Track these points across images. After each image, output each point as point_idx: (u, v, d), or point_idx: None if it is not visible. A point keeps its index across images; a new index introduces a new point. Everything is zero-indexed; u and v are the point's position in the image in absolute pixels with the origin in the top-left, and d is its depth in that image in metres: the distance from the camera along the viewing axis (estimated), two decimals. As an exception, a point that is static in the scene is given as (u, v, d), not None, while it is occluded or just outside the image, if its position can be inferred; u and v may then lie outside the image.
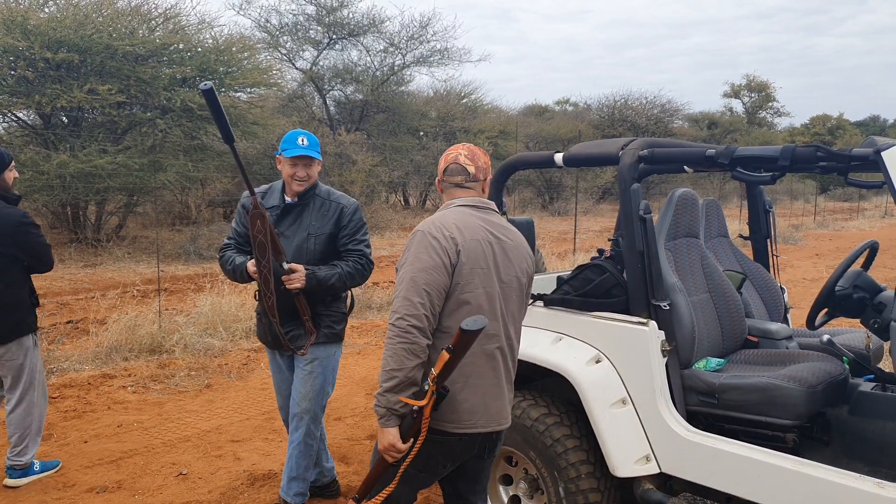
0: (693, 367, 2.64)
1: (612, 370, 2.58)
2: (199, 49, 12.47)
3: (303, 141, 2.95)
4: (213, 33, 13.19)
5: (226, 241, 3.16)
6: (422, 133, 20.73)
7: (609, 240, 2.91)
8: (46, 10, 11.44)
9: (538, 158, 3.07)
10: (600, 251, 2.88)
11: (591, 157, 2.84)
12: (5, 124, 12.50)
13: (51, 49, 10.28)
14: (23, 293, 3.56)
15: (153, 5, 12.43)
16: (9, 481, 3.61)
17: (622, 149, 2.65)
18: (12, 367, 3.56)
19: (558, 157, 2.87)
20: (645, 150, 2.59)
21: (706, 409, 2.53)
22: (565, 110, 36.74)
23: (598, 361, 2.60)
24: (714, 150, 2.46)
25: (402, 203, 21.88)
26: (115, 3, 11.96)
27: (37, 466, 3.71)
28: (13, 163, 3.60)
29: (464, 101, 22.57)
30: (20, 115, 11.97)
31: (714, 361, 2.71)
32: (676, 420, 2.44)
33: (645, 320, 2.50)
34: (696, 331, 2.68)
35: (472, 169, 2.24)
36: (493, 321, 2.08)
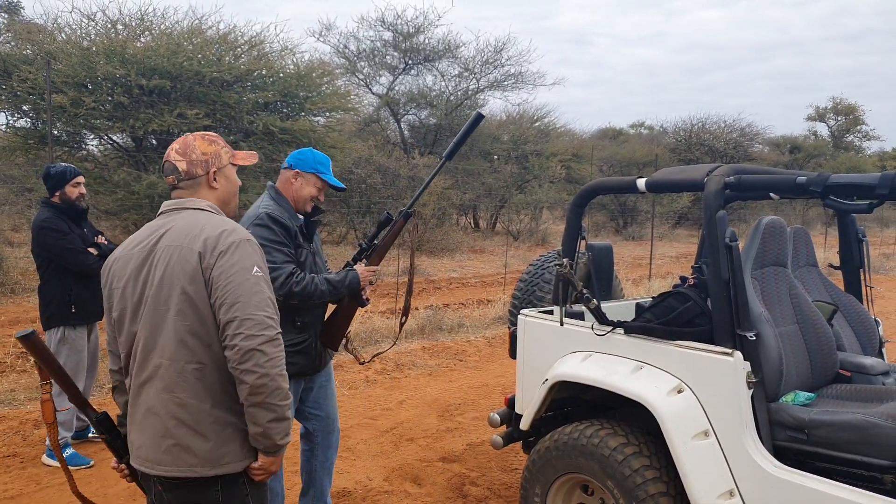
0: (780, 401, 2.54)
1: (695, 401, 2.52)
2: (282, 75, 12.98)
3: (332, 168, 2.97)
4: (294, 59, 13.73)
5: (291, 268, 2.74)
6: (495, 157, 20.83)
7: (692, 267, 2.86)
8: (142, 39, 12.21)
9: (619, 184, 3.05)
10: (683, 279, 2.83)
11: (675, 184, 2.80)
12: (102, 147, 13.37)
13: (145, 76, 10.94)
14: (56, 290, 3.98)
15: (239, 33, 13.07)
16: (44, 457, 4.11)
17: (707, 175, 2.60)
18: None
19: (640, 183, 2.85)
20: (731, 177, 2.53)
21: (795, 444, 2.43)
22: (640, 134, 36.19)
23: (679, 391, 2.54)
24: (805, 178, 2.38)
25: (472, 225, 21.98)
26: (205, 32, 12.65)
27: (67, 452, 4.03)
28: (78, 177, 4.07)
29: (536, 124, 22.56)
30: (115, 138, 12.77)
31: (803, 395, 2.60)
32: (763, 455, 2.35)
33: (730, 351, 2.43)
34: (784, 363, 2.59)
35: (183, 165, 1.95)
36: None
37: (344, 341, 3.10)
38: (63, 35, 11.95)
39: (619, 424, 2.72)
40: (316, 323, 2.92)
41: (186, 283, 1.80)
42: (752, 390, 2.41)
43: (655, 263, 13.83)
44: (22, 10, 26.26)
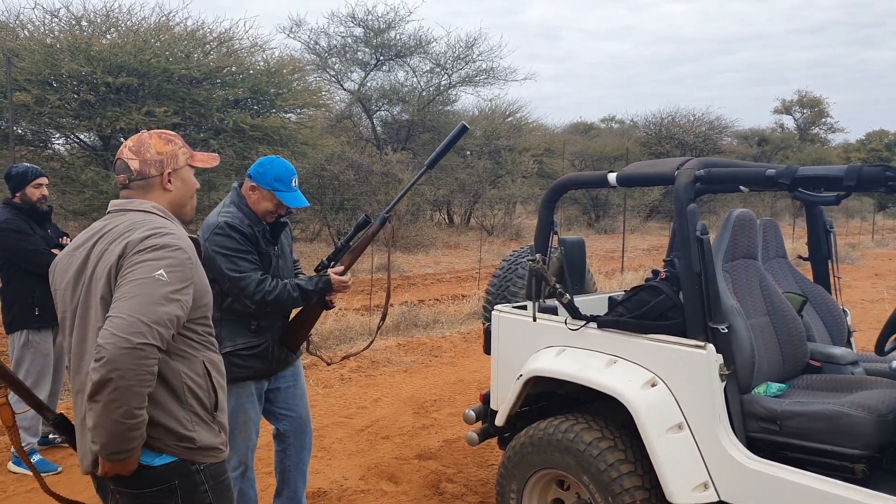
0: (752, 392, 2.56)
1: (669, 394, 2.53)
2: (251, 71, 12.83)
3: (296, 183, 2.81)
4: (264, 56, 13.57)
5: (259, 275, 2.69)
6: (468, 152, 20.84)
7: (664, 260, 2.86)
8: (108, 36, 11.95)
9: (590, 178, 3.05)
10: (655, 272, 2.84)
11: (646, 177, 2.80)
12: (68, 146, 13.08)
13: (112, 74, 10.72)
14: (18, 293, 3.92)
15: (208, 30, 12.88)
16: (10, 465, 4.02)
17: (678, 168, 2.61)
18: (11, 360, 4.00)
19: (612, 177, 2.85)
20: (702, 170, 2.55)
21: (767, 435, 2.45)
22: (611, 128, 36.49)
23: (653, 385, 2.55)
24: (774, 170, 2.40)
25: (447, 221, 21.98)
26: (173, 29, 12.43)
27: (34, 458, 3.97)
28: (40, 178, 3.98)
29: (509, 119, 22.63)
30: (82, 136, 12.50)
31: (775, 387, 2.63)
32: (736, 447, 2.37)
33: (703, 343, 2.44)
34: (756, 355, 2.61)
35: (135, 164, 1.85)
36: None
37: (306, 343, 3.07)
38: (26, 32, 11.66)
39: (593, 419, 2.72)
40: (273, 327, 2.86)
41: (105, 289, 1.70)
42: (724, 382, 2.42)
43: (627, 256, 13.96)
44: (-19, 6, 25.54)
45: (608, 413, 2.76)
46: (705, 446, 2.42)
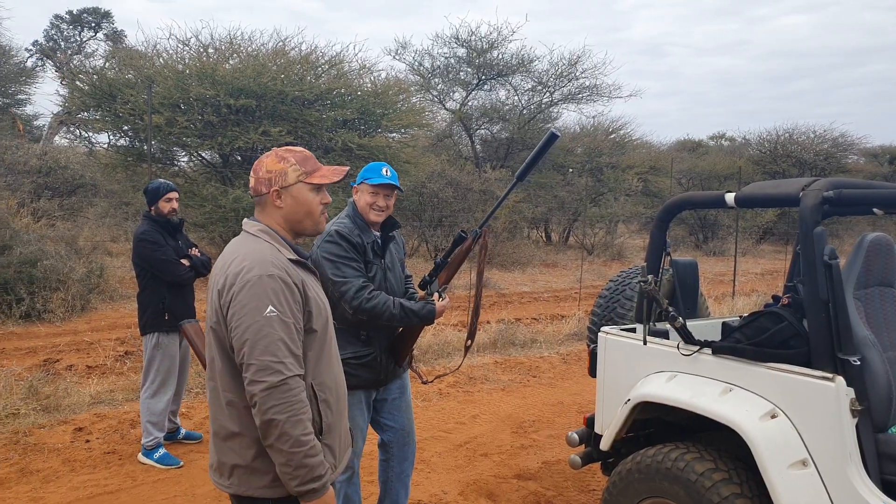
0: (890, 432, 2.36)
1: (791, 427, 2.38)
2: (360, 93, 13.33)
3: (386, 172, 2.96)
4: (371, 78, 14.08)
5: (361, 282, 2.82)
6: (570, 169, 20.61)
7: (786, 286, 2.72)
8: (231, 62, 12.81)
9: (706, 199, 2.94)
10: (776, 298, 2.70)
11: (768, 198, 2.68)
12: (192, 163, 14.08)
13: (233, 96, 11.47)
14: (151, 298, 4.22)
15: (320, 54, 13.53)
16: (139, 456, 4.28)
17: (804, 189, 2.47)
18: (144, 359, 4.32)
19: (729, 198, 2.74)
20: (831, 192, 2.40)
21: (905, 479, 2.26)
22: (721, 145, 34.95)
23: (773, 416, 2.41)
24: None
25: (545, 239, 21.78)
26: (288, 54, 13.16)
27: (157, 454, 4.23)
28: (171, 193, 4.29)
29: (612, 136, 22.18)
30: (204, 154, 13.42)
31: (914, 426, 2.42)
32: (870, 490, 2.19)
33: (830, 375, 2.29)
34: (894, 391, 2.41)
35: (251, 182, 1.97)
36: None
37: (409, 359, 3.13)
38: (161, 60, 12.70)
39: (705, 449, 2.61)
40: (381, 337, 2.96)
41: (213, 319, 1.85)
42: (857, 419, 2.26)
43: (739, 280, 13.28)
44: (125, 38, 28.14)
45: (721, 443, 2.64)
46: (834, 487, 2.26)
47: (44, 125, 23.15)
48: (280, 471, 1.76)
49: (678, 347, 2.74)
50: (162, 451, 4.26)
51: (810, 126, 26.34)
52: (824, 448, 2.28)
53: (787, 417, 2.40)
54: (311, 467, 1.75)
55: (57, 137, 21.98)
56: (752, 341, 2.55)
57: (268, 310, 1.75)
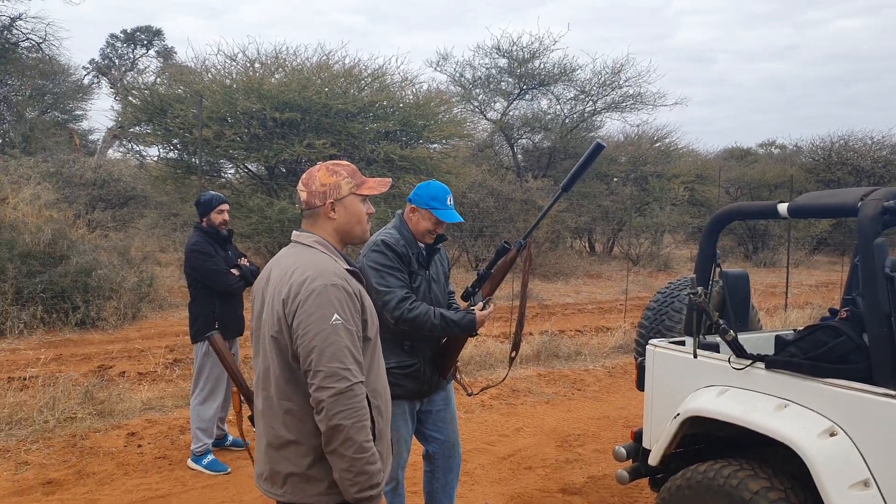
0: (957, 452, 2.26)
1: (851, 446, 2.29)
2: (401, 105, 13.45)
3: (450, 201, 2.95)
4: (413, 90, 14.20)
5: (404, 293, 2.84)
6: (614, 178, 20.35)
7: (843, 298, 2.63)
8: (276, 76, 13.10)
9: (758, 209, 2.87)
10: (833, 311, 2.61)
11: (823, 209, 2.60)
12: (238, 175, 14.41)
13: (279, 110, 11.71)
14: (202, 307, 4.31)
15: (363, 67, 13.72)
16: (189, 462, 4.40)
17: (862, 199, 2.39)
18: (194, 367, 4.42)
19: (782, 208, 2.67)
20: (891, 201, 2.32)
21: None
22: (771, 153, 34.06)
23: (832, 434, 2.33)
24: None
25: (588, 249, 21.54)
26: (332, 67, 13.38)
27: (205, 460, 4.31)
28: (222, 205, 4.39)
29: (657, 144, 21.84)
30: (251, 166, 13.73)
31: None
32: (937, 513, 2.09)
33: (894, 392, 2.20)
34: (961, 409, 2.30)
35: (304, 196, 2.01)
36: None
37: (453, 370, 3.13)
38: (209, 75, 13.06)
39: (759, 466, 2.53)
40: (425, 348, 2.97)
41: (275, 328, 1.88)
42: (920, 437, 2.16)
43: (792, 292, 12.89)
44: (175, 55, 29.08)
45: (775, 461, 2.55)
46: (897, 508, 2.16)
47: (98, 139, 24.11)
48: (340, 477, 1.79)
49: (729, 361, 2.67)
50: (210, 457, 4.34)
51: (868, 132, 25.29)
52: (889, 469, 2.19)
53: (846, 435, 2.31)
54: (371, 474, 1.79)
55: (110, 151, 22.85)
56: (808, 356, 2.47)
57: (333, 318, 1.81)
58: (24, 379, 5.97)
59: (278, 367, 1.88)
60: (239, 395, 2.19)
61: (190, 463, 4.37)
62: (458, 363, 3.16)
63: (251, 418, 2.11)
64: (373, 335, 1.97)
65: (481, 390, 3.96)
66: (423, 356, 2.96)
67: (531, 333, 8.59)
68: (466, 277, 13.51)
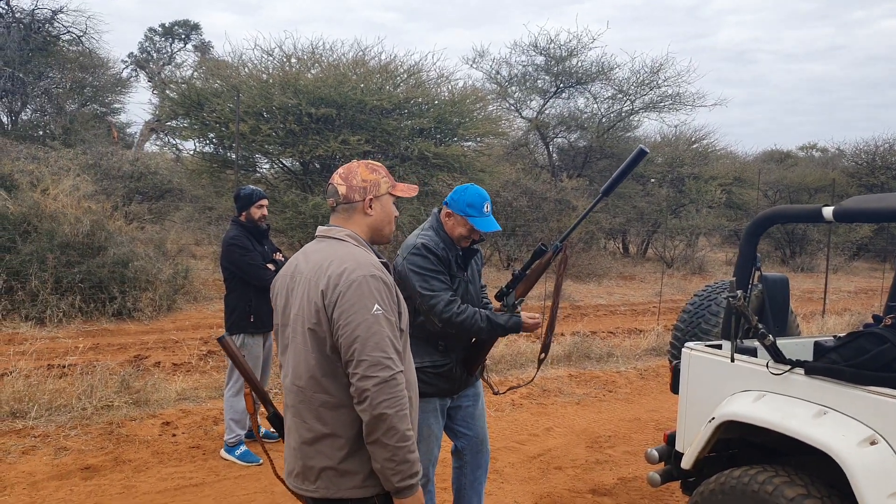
0: None
1: (892, 455, 2.23)
2: (437, 102, 13.45)
3: (488, 209, 2.90)
4: (449, 87, 14.17)
5: (449, 295, 2.83)
6: (651, 180, 20.07)
7: (888, 305, 2.55)
8: (313, 71, 13.21)
9: (800, 212, 2.80)
10: (876, 318, 2.54)
11: (871, 213, 2.53)
12: (273, 170, 14.58)
13: (314, 105, 11.80)
14: (238, 301, 4.34)
15: (399, 63, 13.75)
16: (221, 452, 4.47)
17: (911, 202, 2.32)
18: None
19: (827, 212, 2.60)
20: (942, 205, 2.24)
21: None
22: (812, 156, 33.26)
23: (873, 443, 2.26)
24: None
25: (622, 250, 21.29)
26: (368, 63, 13.44)
27: (238, 451, 4.38)
28: (262, 200, 4.43)
29: (694, 146, 21.47)
30: (286, 162, 13.88)
31: None
32: (984, 528, 2.02)
33: (940, 402, 2.13)
34: None
35: (343, 190, 2.02)
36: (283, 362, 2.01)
37: (480, 369, 3.13)
38: (246, 70, 13.22)
39: (796, 473, 2.47)
40: (458, 347, 2.98)
41: (312, 320, 1.88)
42: (967, 450, 2.09)
43: (830, 298, 12.57)
44: (212, 49, 29.55)
45: (812, 468, 2.49)
46: (941, 522, 2.10)
47: (136, 132, 24.62)
48: (382, 466, 1.80)
49: (767, 366, 2.62)
50: (243, 447, 4.41)
51: (915, 134, 24.56)
52: (932, 480, 2.12)
53: (888, 444, 2.25)
54: (412, 462, 1.81)
55: (147, 144, 23.30)
56: (850, 363, 2.41)
57: (374, 308, 1.82)
58: (63, 367, 6.14)
59: (314, 359, 1.88)
60: (251, 395, 2.18)
61: (223, 453, 4.44)
62: (487, 362, 3.16)
63: (269, 418, 2.14)
64: (405, 327, 1.99)
65: (508, 390, 3.97)
66: (456, 356, 2.97)
67: (563, 334, 8.54)
68: (498, 276, 13.48)
